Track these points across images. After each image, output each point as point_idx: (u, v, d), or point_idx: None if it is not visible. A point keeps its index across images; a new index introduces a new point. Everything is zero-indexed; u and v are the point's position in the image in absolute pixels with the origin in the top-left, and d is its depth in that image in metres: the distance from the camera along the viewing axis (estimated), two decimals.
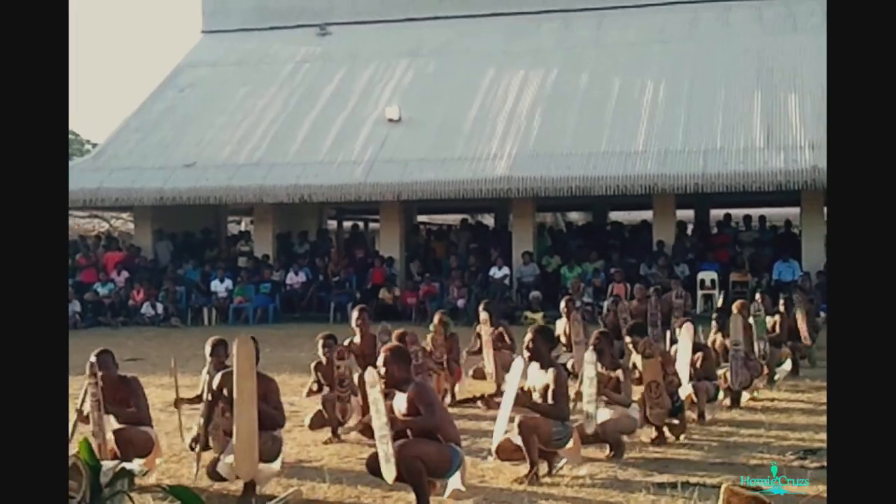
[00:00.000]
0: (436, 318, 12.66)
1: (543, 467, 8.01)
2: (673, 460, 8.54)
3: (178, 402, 8.95)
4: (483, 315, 12.82)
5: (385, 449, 6.72)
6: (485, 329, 12.67)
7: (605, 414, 8.63)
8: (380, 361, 7.18)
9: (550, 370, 7.98)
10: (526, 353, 8.15)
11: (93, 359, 8.11)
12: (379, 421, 6.74)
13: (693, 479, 7.68)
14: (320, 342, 10.16)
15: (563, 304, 13.94)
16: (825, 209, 22.90)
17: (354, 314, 11.42)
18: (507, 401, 7.91)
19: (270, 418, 7.63)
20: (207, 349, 8.99)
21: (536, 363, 8.08)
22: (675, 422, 9.44)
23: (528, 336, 8.16)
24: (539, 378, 8.02)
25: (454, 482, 7.00)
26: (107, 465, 6.82)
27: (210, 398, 7.95)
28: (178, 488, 6.21)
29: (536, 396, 8.00)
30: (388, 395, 7.14)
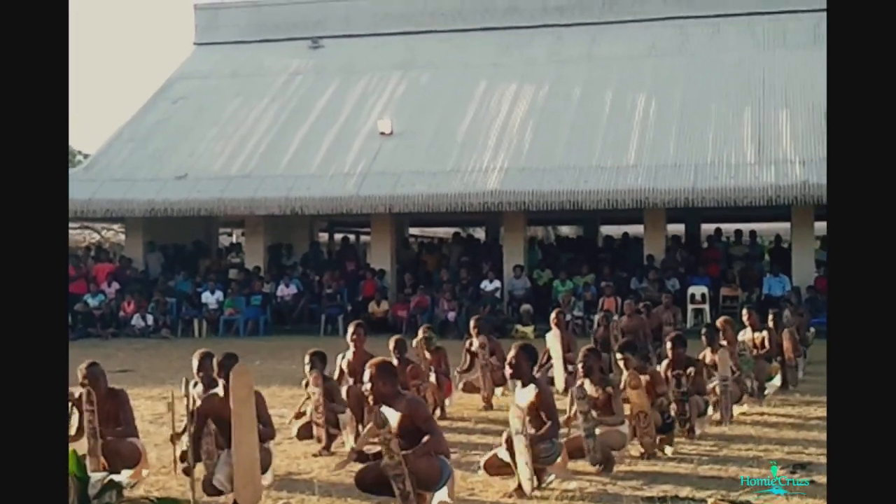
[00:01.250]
0: (420, 333, 12.63)
1: (532, 482, 8.00)
2: (662, 474, 8.54)
3: (174, 438, 8.83)
4: (482, 339, 12.76)
5: (401, 488, 6.72)
6: (481, 351, 12.62)
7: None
8: (366, 377, 7.18)
9: (531, 387, 8.03)
10: (508, 370, 8.21)
11: (82, 374, 8.08)
12: (393, 461, 6.73)
13: (682, 493, 7.68)
14: (307, 359, 10.08)
15: (552, 317, 13.98)
16: (815, 224, 22.98)
17: (350, 329, 11.31)
18: (520, 446, 7.88)
19: (261, 434, 7.64)
20: (195, 363, 8.98)
21: (518, 380, 8.13)
22: (663, 436, 9.46)
23: (511, 353, 8.22)
24: (522, 395, 8.06)
25: (441, 495, 6.99)
26: (95, 476, 6.82)
27: (197, 419, 7.92)
28: (166, 500, 6.22)
29: (519, 413, 8.00)
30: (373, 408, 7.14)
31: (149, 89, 30.66)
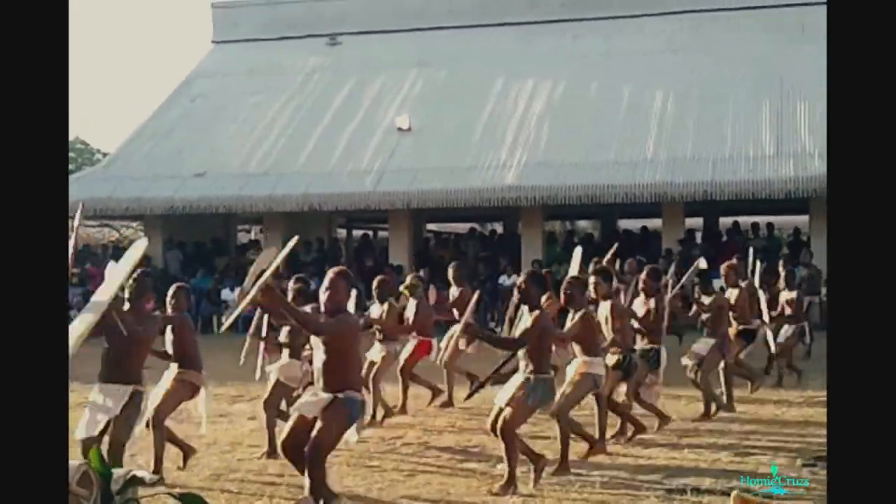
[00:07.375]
0: (408, 279, 12.85)
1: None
2: (683, 466, 8.54)
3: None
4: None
5: None
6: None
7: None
8: (326, 283, 7.01)
9: (536, 312, 7.84)
10: (516, 294, 8.15)
11: None
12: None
13: (703, 486, 7.67)
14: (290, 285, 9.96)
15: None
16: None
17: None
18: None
19: None
20: (169, 295, 9.00)
21: (526, 306, 7.98)
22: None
23: (521, 278, 8.14)
24: (526, 321, 7.91)
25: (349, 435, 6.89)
26: (118, 472, 6.85)
27: None
28: (187, 496, 6.24)
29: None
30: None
31: (167, 88, 30.78)
